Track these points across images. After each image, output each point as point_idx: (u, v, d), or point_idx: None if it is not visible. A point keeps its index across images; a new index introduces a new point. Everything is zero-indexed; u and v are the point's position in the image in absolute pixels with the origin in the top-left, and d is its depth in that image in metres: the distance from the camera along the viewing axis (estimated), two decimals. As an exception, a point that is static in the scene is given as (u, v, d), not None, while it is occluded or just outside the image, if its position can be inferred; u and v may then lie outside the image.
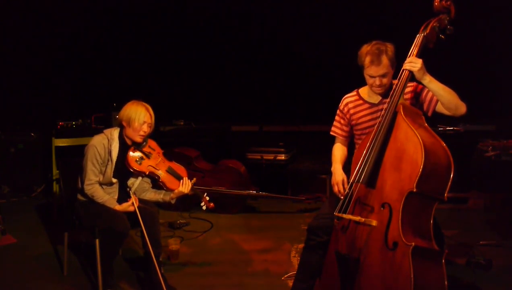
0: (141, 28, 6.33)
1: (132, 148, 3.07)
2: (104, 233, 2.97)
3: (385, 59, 2.50)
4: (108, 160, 3.02)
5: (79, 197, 3.11)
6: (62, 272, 3.34)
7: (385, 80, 2.56)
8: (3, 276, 3.33)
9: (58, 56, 6.11)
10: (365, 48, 2.57)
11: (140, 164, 3.05)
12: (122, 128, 3.06)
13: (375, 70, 2.52)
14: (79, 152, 3.08)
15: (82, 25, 6.15)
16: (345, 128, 2.83)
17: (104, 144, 3.01)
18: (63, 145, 4.91)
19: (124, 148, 3.06)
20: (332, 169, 2.75)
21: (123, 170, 3.07)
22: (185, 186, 3.12)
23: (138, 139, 3.02)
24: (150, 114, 3.03)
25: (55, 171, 4.75)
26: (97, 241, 3.00)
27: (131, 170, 3.04)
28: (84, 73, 6.27)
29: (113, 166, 3.03)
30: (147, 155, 3.09)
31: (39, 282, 3.23)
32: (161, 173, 3.10)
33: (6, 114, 5.80)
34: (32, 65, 5.96)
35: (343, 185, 2.60)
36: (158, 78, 6.36)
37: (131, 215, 2.98)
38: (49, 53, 6.04)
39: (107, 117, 5.51)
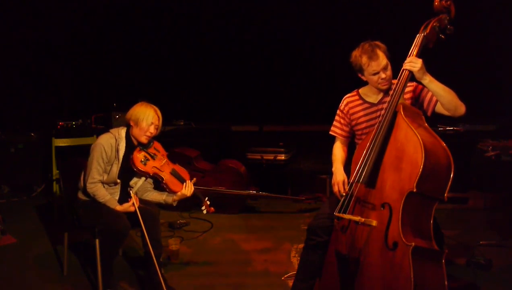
0: (141, 28, 6.33)
1: (138, 148, 3.07)
2: (104, 233, 2.96)
3: (380, 52, 2.54)
4: (115, 158, 3.02)
5: (80, 196, 3.11)
6: (62, 272, 3.34)
7: (388, 73, 2.58)
8: (3, 276, 3.33)
9: (58, 56, 6.11)
10: (357, 52, 2.60)
11: (145, 164, 3.05)
12: (128, 127, 3.07)
13: (376, 64, 2.54)
14: (79, 152, 3.09)
15: (82, 25, 6.15)
16: (345, 128, 2.83)
17: (111, 144, 3.01)
18: (63, 145, 4.91)
19: (130, 148, 3.07)
20: (333, 169, 2.74)
21: (127, 170, 3.07)
22: (188, 189, 3.13)
23: (144, 139, 3.03)
24: (158, 116, 3.06)
25: (55, 171, 4.75)
26: (97, 241, 3.00)
27: (136, 170, 3.05)
28: (84, 73, 6.27)
29: (120, 165, 3.03)
30: (152, 156, 3.10)
31: (39, 282, 3.23)
32: (165, 175, 3.10)
33: (6, 114, 5.81)
34: (32, 65, 5.97)
35: (343, 185, 2.59)
36: (158, 78, 6.36)
37: (131, 215, 2.98)
38: (49, 53, 6.04)
39: (107, 117, 5.52)
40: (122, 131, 3.08)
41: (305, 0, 5.97)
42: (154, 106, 3.08)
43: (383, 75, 2.57)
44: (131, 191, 3.12)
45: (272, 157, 5.36)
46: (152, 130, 3.02)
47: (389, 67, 2.58)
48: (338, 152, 2.83)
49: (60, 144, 4.90)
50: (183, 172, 3.21)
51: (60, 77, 6.18)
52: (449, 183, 2.24)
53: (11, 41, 5.81)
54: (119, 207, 3.01)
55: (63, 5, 5.95)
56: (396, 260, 2.19)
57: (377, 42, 2.59)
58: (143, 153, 3.08)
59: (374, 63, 2.53)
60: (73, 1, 6.06)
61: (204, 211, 3.21)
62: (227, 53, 6.28)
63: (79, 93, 6.29)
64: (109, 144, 3.01)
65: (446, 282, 2.20)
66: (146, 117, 2.99)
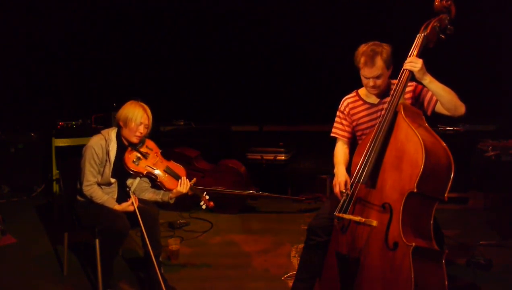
0: (141, 28, 6.33)
1: (129, 148, 3.05)
2: (104, 232, 2.96)
3: (379, 61, 2.49)
4: (106, 161, 3.01)
5: (78, 198, 3.11)
6: (62, 272, 3.34)
7: (379, 82, 2.54)
8: (3, 276, 3.32)
9: (58, 56, 6.11)
10: (362, 48, 2.56)
11: (137, 164, 3.02)
12: (119, 128, 3.05)
13: (368, 71, 2.51)
14: (79, 152, 3.08)
15: (82, 25, 6.15)
16: (347, 128, 2.80)
17: (101, 145, 3.00)
18: (63, 145, 4.92)
19: (121, 148, 3.05)
20: (335, 170, 2.70)
21: (121, 170, 3.06)
22: (183, 185, 3.08)
23: (134, 139, 3.00)
24: (148, 115, 3.00)
25: (55, 171, 4.76)
26: (97, 241, 3.00)
27: (129, 170, 3.03)
28: (84, 73, 6.27)
29: (111, 167, 3.01)
30: (145, 155, 3.06)
31: (39, 282, 3.23)
32: (159, 173, 3.07)
33: (6, 114, 5.80)
34: (32, 65, 5.96)
35: (345, 185, 2.57)
36: (158, 78, 6.36)
37: (131, 215, 2.97)
38: (49, 53, 6.04)
39: (107, 117, 5.52)
40: (112, 132, 3.05)
41: (305, 0, 5.97)
42: (144, 105, 3.02)
43: (371, 83, 2.54)
44: (130, 191, 3.11)
45: (272, 157, 5.36)
46: (141, 130, 2.97)
47: (384, 77, 2.53)
48: (341, 154, 2.78)
49: (60, 144, 4.90)
50: (178, 168, 3.16)
51: (60, 77, 6.17)
52: (450, 183, 2.24)
53: (11, 42, 5.80)
54: (118, 207, 3.01)
55: (62, 5, 5.94)
56: (396, 260, 2.19)
57: (385, 48, 2.51)
58: (134, 153, 3.04)
59: (368, 69, 2.51)
60: (73, 1, 6.06)
61: (204, 206, 3.16)
62: (227, 53, 6.28)
63: (79, 93, 6.29)
64: (99, 146, 2.99)
65: (446, 282, 2.20)
66: (135, 118, 2.94)
